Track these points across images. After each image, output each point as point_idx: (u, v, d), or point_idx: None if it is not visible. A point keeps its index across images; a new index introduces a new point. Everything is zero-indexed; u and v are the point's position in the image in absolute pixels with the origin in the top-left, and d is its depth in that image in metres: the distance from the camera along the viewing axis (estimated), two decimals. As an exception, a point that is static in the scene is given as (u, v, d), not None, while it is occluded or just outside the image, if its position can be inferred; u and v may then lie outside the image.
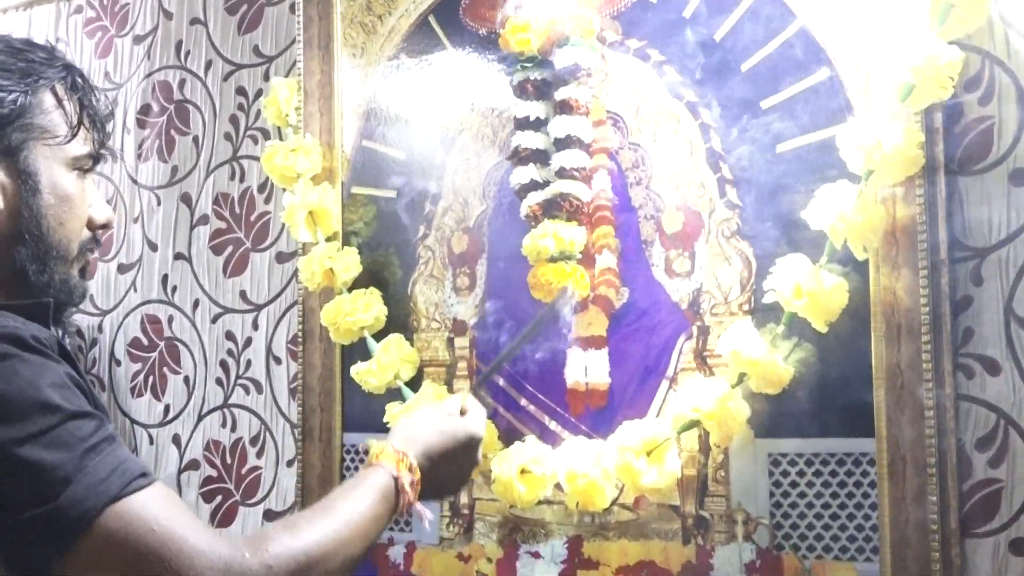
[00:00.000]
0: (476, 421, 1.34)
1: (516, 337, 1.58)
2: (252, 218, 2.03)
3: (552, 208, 1.62)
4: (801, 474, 1.48)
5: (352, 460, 1.85)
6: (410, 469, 1.22)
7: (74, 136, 1.18)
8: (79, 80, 1.21)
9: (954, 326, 1.41)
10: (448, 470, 1.29)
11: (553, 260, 1.59)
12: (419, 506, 1.24)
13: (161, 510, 1.00)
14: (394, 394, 1.75)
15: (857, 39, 1.47)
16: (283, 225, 1.90)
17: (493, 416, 1.69)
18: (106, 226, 1.24)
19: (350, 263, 1.81)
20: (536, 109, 1.65)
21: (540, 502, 1.60)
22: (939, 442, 1.39)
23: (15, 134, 1.13)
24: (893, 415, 1.42)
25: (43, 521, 0.95)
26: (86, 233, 1.21)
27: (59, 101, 1.17)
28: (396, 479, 1.20)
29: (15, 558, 1.00)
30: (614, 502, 1.57)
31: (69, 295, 1.19)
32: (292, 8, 1.96)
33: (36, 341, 1.02)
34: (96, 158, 1.22)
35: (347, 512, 1.13)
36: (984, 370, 1.40)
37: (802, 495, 1.48)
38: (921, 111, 1.40)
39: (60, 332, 1.13)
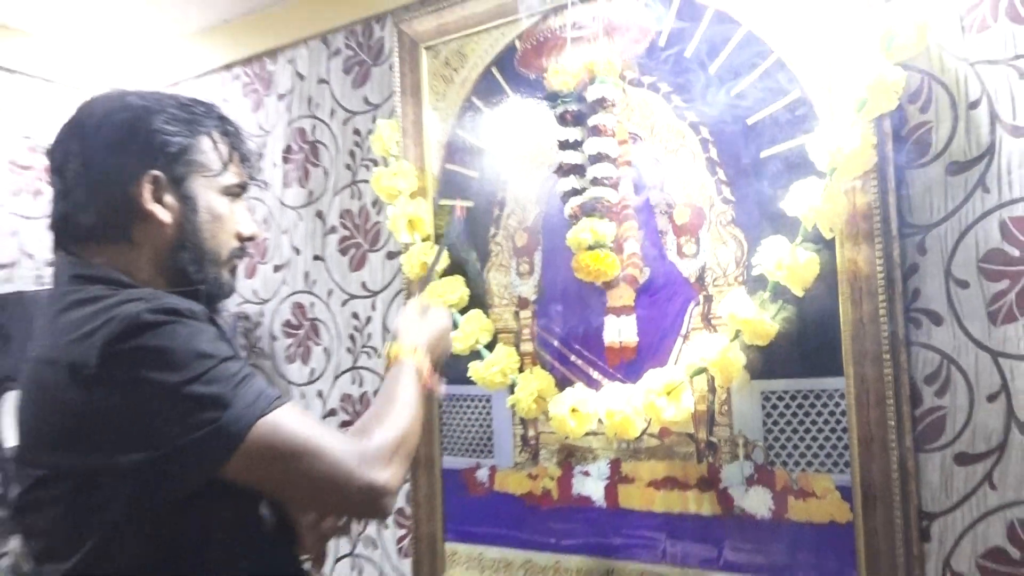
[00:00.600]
0: (443, 314, 1.41)
1: (439, 248, 1.64)
2: (368, 227, 2.05)
3: (588, 209, 1.60)
4: (787, 407, 1.45)
5: (442, 407, 1.86)
6: (424, 359, 1.27)
7: (224, 170, 1.20)
8: (230, 128, 1.23)
9: (904, 287, 1.37)
10: (440, 347, 1.36)
11: (590, 248, 1.58)
12: (433, 383, 1.29)
13: (297, 419, 1.03)
14: (474, 355, 1.75)
15: (821, 66, 1.43)
16: (389, 231, 1.91)
17: (550, 368, 1.70)
18: (251, 238, 1.26)
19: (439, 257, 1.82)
20: (574, 133, 1.64)
21: (587, 433, 1.60)
22: (895, 379, 1.35)
23: (180, 168, 1.16)
24: (858, 359, 1.38)
25: (208, 439, 0.97)
26: (235, 243, 1.23)
27: (214, 144, 1.19)
28: (418, 369, 1.24)
29: (160, 494, 1.01)
30: (643, 432, 1.56)
31: (220, 289, 1.22)
32: (391, 67, 1.97)
33: (190, 311, 1.04)
34: (243, 187, 1.25)
35: (405, 399, 1.18)
36: (930, 321, 1.36)
37: (788, 423, 1.45)
38: (873, 120, 1.36)
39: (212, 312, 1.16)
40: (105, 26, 2.34)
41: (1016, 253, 1.29)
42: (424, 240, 1.84)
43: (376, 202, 2.02)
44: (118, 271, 1.13)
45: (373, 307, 2.02)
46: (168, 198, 1.14)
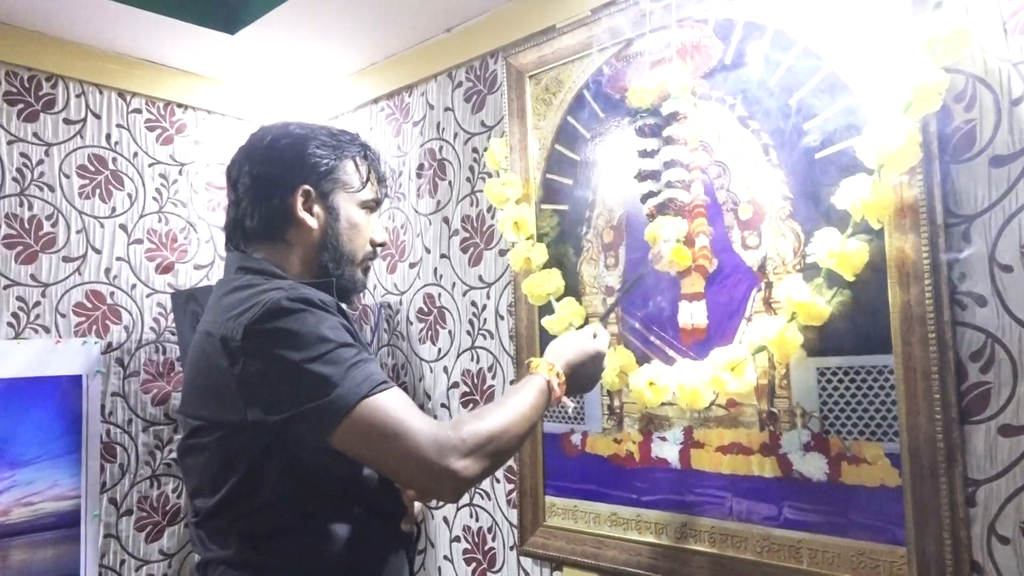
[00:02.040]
0: (602, 342, 1.34)
1: (622, 290, 1.62)
2: (484, 229, 2.09)
3: (664, 208, 1.59)
4: (841, 381, 1.39)
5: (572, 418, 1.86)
6: (557, 375, 1.24)
7: (363, 188, 1.28)
8: (371, 154, 1.31)
9: (950, 272, 1.29)
10: (583, 375, 1.30)
11: (666, 243, 1.56)
12: (565, 399, 1.27)
13: (396, 403, 1.06)
14: (569, 335, 1.76)
15: (869, 72, 1.36)
16: (500, 232, 1.95)
17: (633, 347, 1.69)
18: (383, 244, 1.33)
19: (540, 253, 1.84)
20: (652, 143, 1.62)
21: (663, 403, 1.58)
22: (940, 356, 1.27)
23: (327, 184, 1.24)
24: (906, 337, 1.31)
25: (319, 410, 1.02)
26: (368, 248, 1.30)
27: (356, 166, 1.28)
28: (548, 382, 1.22)
29: (285, 446, 1.07)
30: (712, 403, 1.53)
31: (353, 285, 1.29)
32: (502, 95, 2.01)
33: (321, 301, 1.10)
34: (378, 203, 1.32)
35: (515, 404, 1.16)
36: (974, 303, 1.27)
37: (842, 395, 1.39)
38: (919, 119, 1.28)
39: (344, 304, 1.22)
40: (282, 73, 2.49)
41: (1058, 238, 1.19)
42: (527, 239, 1.86)
43: (490, 208, 2.06)
44: (273, 265, 1.22)
45: (487, 296, 2.06)
46: (316, 208, 1.23)
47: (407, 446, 1.03)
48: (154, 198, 2.41)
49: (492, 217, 2.06)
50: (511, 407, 1.15)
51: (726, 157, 1.56)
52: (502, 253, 2.03)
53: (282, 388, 1.04)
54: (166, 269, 2.42)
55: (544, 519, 1.85)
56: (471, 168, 2.14)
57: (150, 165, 2.41)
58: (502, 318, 2.02)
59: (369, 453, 1.05)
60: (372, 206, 1.31)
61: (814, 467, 1.41)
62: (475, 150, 2.13)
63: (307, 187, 1.23)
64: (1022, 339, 1.22)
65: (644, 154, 1.63)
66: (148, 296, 2.37)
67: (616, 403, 1.73)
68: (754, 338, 1.45)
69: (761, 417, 1.49)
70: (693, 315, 1.59)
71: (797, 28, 1.46)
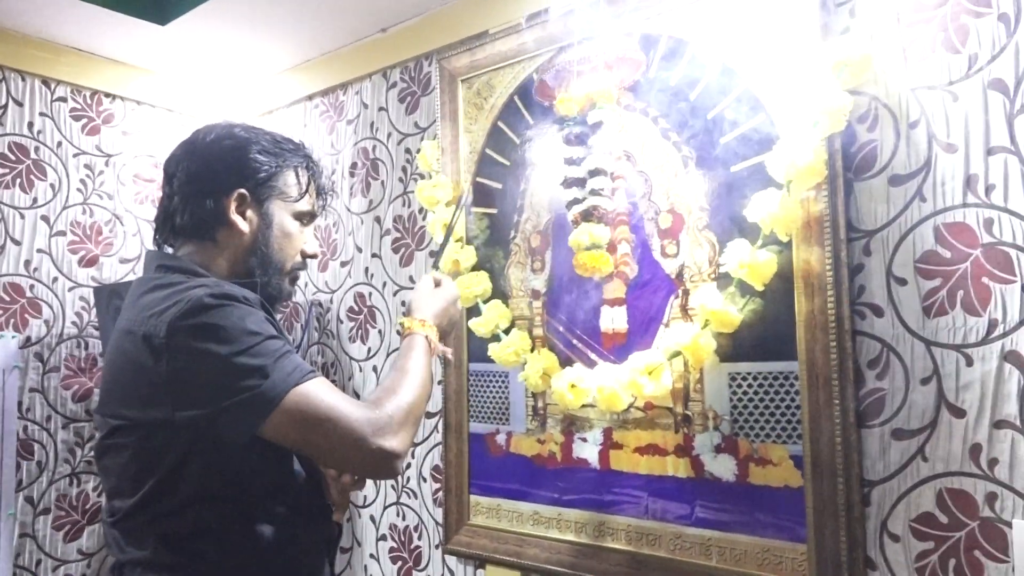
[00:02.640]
0: (451, 285, 1.39)
1: (446, 234, 1.64)
2: (415, 230, 2.11)
3: (588, 215, 1.62)
4: (750, 386, 1.45)
5: (473, 382, 1.90)
6: (432, 329, 1.27)
7: (300, 199, 1.27)
8: (312, 165, 1.31)
9: (851, 284, 1.36)
10: (449, 320, 1.34)
11: (588, 249, 1.60)
12: (441, 347, 1.30)
13: (325, 390, 1.07)
14: (495, 338, 1.79)
15: (782, 92, 1.42)
16: (430, 233, 1.97)
17: (557, 350, 1.73)
18: (313, 256, 1.33)
19: (468, 255, 1.86)
20: (578, 151, 1.66)
21: (584, 405, 1.62)
22: (840, 363, 1.34)
23: (264, 191, 1.23)
24: (810, 345, 1.37)
25: (250, 401, 1.02)
26: (298, 259, 1.29)
27: (297, 177, 1.27)
28: (427, 338, 1.24)
29: (212, 443, 1.06)
30: (631, 405, 1.58)
31: (279, 293, 1.28)
32: (435, 97, 2.02)
33: (244, 297, 1.10)
34: (313, 215, 1.32)
35: (416, 369, 1.19)
36: (872, 313, 1.34)
37: (751, 400, 1.45)
38: (825, 138, 1.35)
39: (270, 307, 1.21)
40: (215, 65, 2.46)
41: (948, 255, 1.27)
42: (456, 241, 1.89)
43: (422, 209, 2.07)
44: (196, 264, 1.21)
45: (418, 297, 2.07)
46: (250, 213, 1.22)
47: (342, 429, 1.04)
48: (78, 189, 2.35)
49: (423, 218, 2.07)
50: (414, 373, 1.17)
51: (648, 167, 1.60)
52: (432, 254, 2.04)
53: (210, 383, 1.04)
54: (90, 262, 2.37)
55: (469, 518, 1.88)
56: (404, 169, 2.15)
57: (75, 155, 2.35)
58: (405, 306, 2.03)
59: (303, 440, 1.06)
60: (307, 218, 1.30)
61: (724, 468, 1.47)
62: (408, 151, 2.14)
63: (243, 191, 1.21)
64: (914, 348, 1.30)
65: (570, 162, 1.67)
66: (71, 290, 2.32)
67: (540, 404, 1.76)
68: (670, 344, 1.50)
69: (676, 420, 1.54)
70: (614, 320, 1.64)
71: (716, 46, 1.51)
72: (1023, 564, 1.18)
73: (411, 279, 2.09)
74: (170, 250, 1.25)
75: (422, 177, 2.05)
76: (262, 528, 1.13)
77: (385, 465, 1.07)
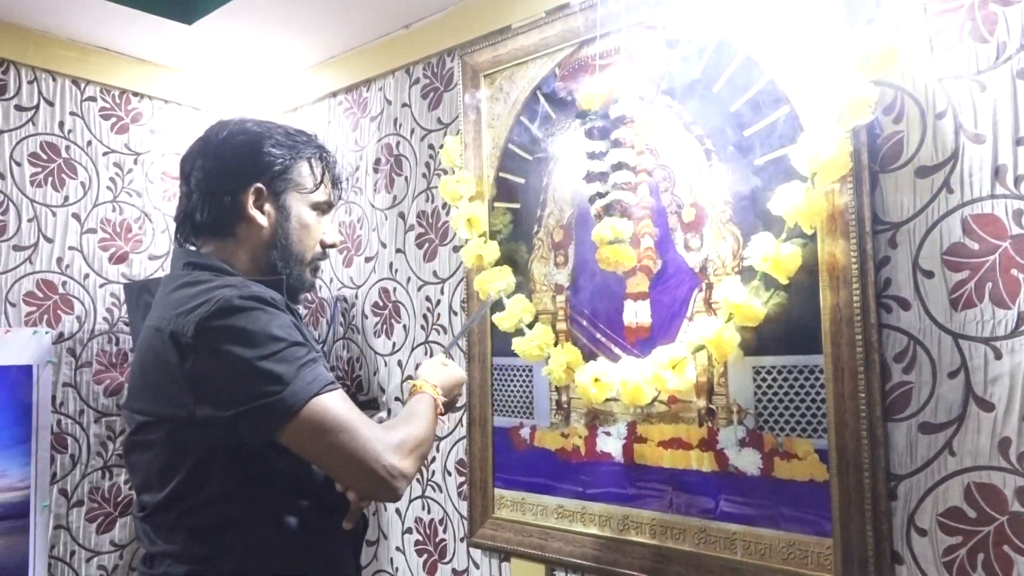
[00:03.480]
0: (457, 367, 1.43)
1: (462, 328, 1.70)
2: (439, 225, 2.12)
3: (610, 209, 1.62)
4: (775, 380, 1.45)
5: (496, 376, 1.91)
6: (441, 396, 1.32)
7: (316, 189, 1.29)
8: (326, 156, 1.32)
9: (877, 277, 1.35)
10: (453, 397, 1.40)
11: (611, 243, 1.60)
12: (442, 417, 1.35)
13: (342, 403, 1.09)
14: (519, 332, 1.80)
15: (807, 84, 1.42)
16: (454, 229, 1.98)
17: (580, 344, 1.73)
18: (333, 245, 1.34)
19: (492, 250, 1.87)
20: (600, 146, 1.66)
21: (608, 399, 1.63)
22: (866, 356, 1.33)
23: (280, 184, 1.25)
24: (835, 339, 1.37)
25: (269, 407, 1.04)
26: (318, 249, 1.31)
27: (311, 168, 1.28)
28: (435, 400, 1.28)
29: (233, 442, 1.07)
30: (655, 399, 1.58)
31: (301, 285, 1.29)
32: (458, 93, 2.03)
33: (272, 300, 1.11)
34: (331, 205, 1.33)
35: (424, 416, 1.22)
36: (899, 306, 1.33)
37: (775, 393, 1.45)
38: (850, 130, 1.34)
39: (294, 303, 1.24)
40: (241, 63, 2.49)
41: (976, 247, 1.26)
42: (480, 236, 1.90)
43: (445, 204, 2.08)
44: (221, 261, 1.23)
45: (442, 292, 2.09)
46: (267, 207, 1.24)
47: (354, 444, 1.06)
48: (108, 187, 2.40)
49: (447, 214, 2.08)
50: (422, 417, 1.22)
51: (671, 161, 1.60)
52: (456, 249, 2.05)
53: (233, 385, 1.05)
54: (120, 259, 2.41)
55: (493, 511, 1.89)
56: (427, 164, 2.16)
57: (104, 154, 2.39)
58: (455, 313, 2.05)
59: (316, 450, 1.08)
60: (324, 208, 1.32)
61: (749, 462, 1.47)
62: (431, 146, 2.15)
63: (259, 185, 1.23)
64: (942, 341, 1.29)
65: (592, 156, 1.67)
66: (101, 286, 2.36)
67: (563, 398, 1.77)
68: (694, 337, 1.50)
69: (700, 414, 1.54)
70: (638, 314, 1.64)
71: (739, 39, 1.50)
72: (1053, 559, 1.16)
73: (435, 274, 2.11)
74: (193, 248, 1.27)
75: (445, 173, 2.06)
76: (288, 520, 1.15)
77: (391, 484, 1.08)
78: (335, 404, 1.07)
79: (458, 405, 1.45)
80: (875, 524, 1.31)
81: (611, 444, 1.68)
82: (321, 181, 1.30)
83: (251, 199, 1.22)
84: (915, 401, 1.31)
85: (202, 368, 1.06)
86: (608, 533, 1.67)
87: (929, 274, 1.30)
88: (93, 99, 2.38)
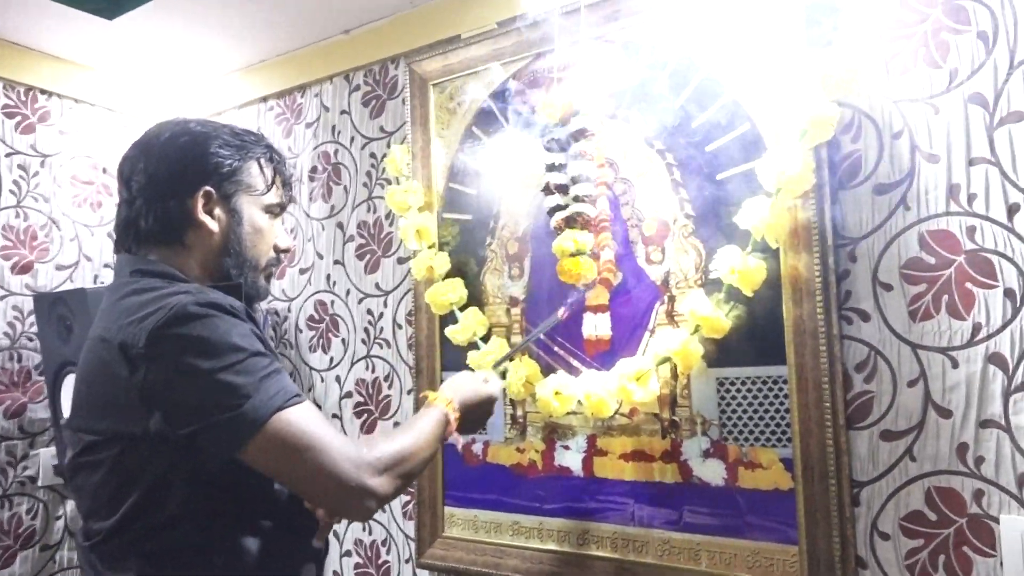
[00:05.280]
0: (495, 387, 1.35)
1: (533, 332, 1.59)
2: (381, 236, 2.03)
3: (571, 222, 1.59)
4: (739, 391, 1.44)
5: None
6: (454, 411, 1.23)
7: (268, 191, 1.19)
8: (275, 156, 1.23)
9: (838, 290, 1.37)
10: (475, 416, 1.31)
11: (572, 255, 1.56)
12: (456, 435, 1.25)
13: (310, 418, 1.01)
14: (472, 346, 1.73)
15: (768, 102, 1.43)
16: (400, 240, 1.90)
17: (536, 357, 1.68)
18: (287, 250, 1.25)
19: (443, 262, 1.80)
20: (559, 158, 1.62)
21: (568, 412, 1.58)
22: (830, 367, 1.35)
23: (230, 186, 1.15)
24: (799, 350, 1.38)
25: (229, 423, 0.95)
26: (272, 254, 1.22)
27: (261, 168, 1.19)
28: (446, 415, 1.20)
29: (191, 460, 0.98)
30: (616, 412, 1.55)
31: (256, 292, 1.21)
32: (403, 101, 1.96)
33: (231, 307, 1.02)
34: (283, 207, 1.24)
35: (420, 431, 1.14)
36: (859, 318, 1.36)
37: (739, 404, 1.44)
38: (812, 147, 1.35)
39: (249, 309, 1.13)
40: (160, 63, 2.31)
41: (932, 261, 1.29)
42: (429, 247, 1.82)
43: (389, 215, 2.00)
44: (171, 268, 1.12)
45: (385, 304, 2.00)
46: (218, 211, 1.14)
47: (322, 461, 0.98)
48: (11, 191, 2.16)
49: (391, 224, 1.99)
50: (416, 432, 1.14)
51: (631, 174, 1.58)
52: (401, 261, 1.97)
53: (190, 398, 0.96)
54: (24, 269, 2.18)
55: (443, 530, 1.80)
56: (368, 174, 2.06)
57: (8, 155, 2.16)
58: (400, 327, 1.96)
59: (281, 468, 1.00)
60: (276, 211, 1.23)
61: (713, 472, 1.46)
62: (373, 155, 2.06)
63: (208, 188, 1.13)
64: (900, 352, 1.31)
65: (552, 168, 1.63)
66: (2, 299, 2.12)
67: (519, 412, 1.71)
68: (659, 349, 1.48)
69: (663, 425, 1.52)
70: (597, 326, 1.60)
71: (700, 55, 1.51)
72: (1011, 558, 1.20)
73: (377, 286, 2.01)
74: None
75: (389, 182, 1.97)
76: (249, 543, 1.06)
77: (359, 503, 1.01)
78: (300, 418, 0.99)
79: (479, 425, 1.35)
80: (840, 529, 1.32)
81: (570, 458, 1.63)
82: (272, 182, 1.21)
83: (200, 203, 1.13)
84: (876, 409, 1.33)
85: (155, 381, 0.97)
86: (567, 548, 1.62)
87: (888, 287, 1.33)
88: (-5, 95, 2.14)
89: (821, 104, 1.33)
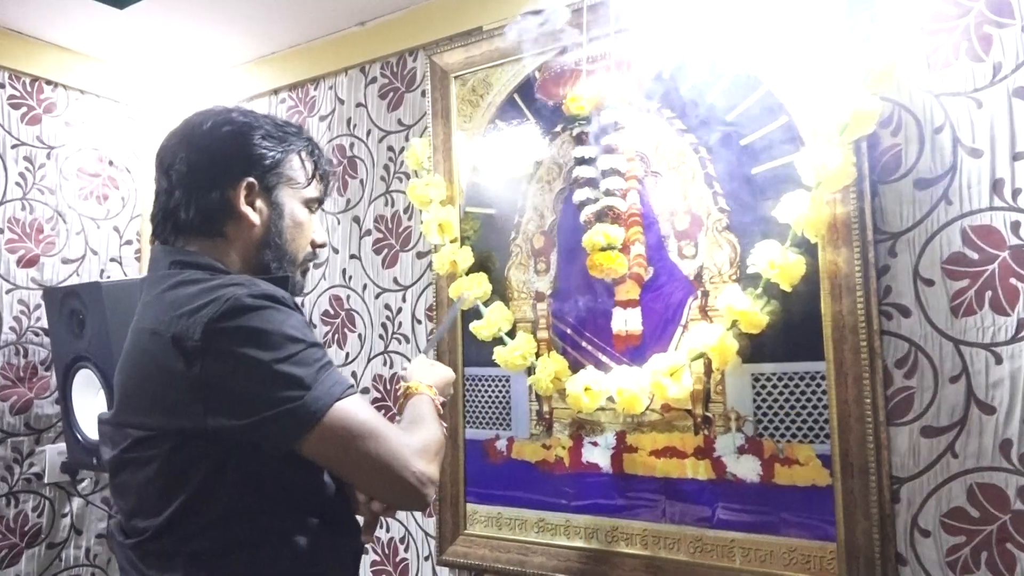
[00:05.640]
0: (445, 367, 1.38)
1: (436, 333, 1.60)
2: (399, 230, 1.99)
3: (601, 216, 1.57)
4: (775, 386, 1.42)
5: (468, 387, 1.80)
6: (436, 395, 1.24)
7: (309, 185, 1.16)
8: (316, 149, 1.20)
9: (878, 284, 1.35)
10: (445, 392, 1.31)
11: (603, 250, 1.54)
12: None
13: (364, 407, 1.00)
14: (497, 341, 1.71)
15: (805, 95, 1.41)
16: (420, 233, 1.87)
17: (563, 353, 1.65)
18: (323, 245, 1.23)
19: (466, 256, 1.77)
20: (589, 151, 1.60)
21: (597, 409, 1.56)
22: (870, 362, 1.33)
23: (272, 178, 1.12)
24: (839, 345, 1.36)
25: (290, 414, 0.94)
26: (309, 249, 1.20)
27: (302, 161, 1.17)
28: (433, 401, 1.20)
29: (245, 455, 0.97)
30: (647, 408, 1.52)
31: (293, 288, 1.18)
32: (423, 93, 1.92)
33: (283, 299, 1.00)
34: (321, 201, 1.22)
35: (431, 419, 1.15)
36: (899, 313, 1.34)
37: (775, 400, 1.42)
38: (852, 141, 1.34)
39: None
40: (169, 55, 2.26)
41: (975, 256, 1.28)
42: (452, 241, 1.79)
43: (408, 208, 1.96)
44: (212, 260, 1.08)
45: (403, 299, 1.96)
46: (259, 203, 1.12)
47: (385, 449, 0.98)
48: (17, 183, 2.10)
49: (409, 218, 1.96)
50: (429, 420, 1.14)
51: (662, 168, 1.56)
52: (420, 255, 1.93)
53: (250, 390, 0.94)
54: (30, 263, 2.12)
55: (465, 527, 1.77)
56: (386, 167, 2.02)
57: (13, 147, 2.10)
58: (419, 322, 1.92)
59: (341, 458, 0.98)
60: (315, 205, 1.21)
61: (747, 469, 1.44)
62: (391, 148, 2.02)
63: (251, 180, 1.10)
64: (942, 347, 1.30)
65: (582, 161, 1.60)
66: (8, 292, 2.06)
67: (545, 409, 1.68)
68: (694, 345, 1.45)
69: (696, 421, 1.50)
70: (627, 321, 1.58)
71: (735, 48, 1.48)
72: (1057, 554, 1.19)
73: (396, 281, 1.98)
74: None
75: (407, 176, 1.93)
76: (296, 540, 1.03)
77: (422, 491, 1.01)
78: (359, 409, 0.99)
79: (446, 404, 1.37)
80: (880, 527, 1.31)
81: (598, 455, 1.60)
82: (313, 176, 1.18)
83: (242, 195, 1.10)
84: (917, 405, 1.31)
85: (213, 374, 0.94)
86: (595, 545, 1.59)
87: (929, 282, 1.31)
88: (1, 86, 2.08)
89: (862, 98, 1.31)
